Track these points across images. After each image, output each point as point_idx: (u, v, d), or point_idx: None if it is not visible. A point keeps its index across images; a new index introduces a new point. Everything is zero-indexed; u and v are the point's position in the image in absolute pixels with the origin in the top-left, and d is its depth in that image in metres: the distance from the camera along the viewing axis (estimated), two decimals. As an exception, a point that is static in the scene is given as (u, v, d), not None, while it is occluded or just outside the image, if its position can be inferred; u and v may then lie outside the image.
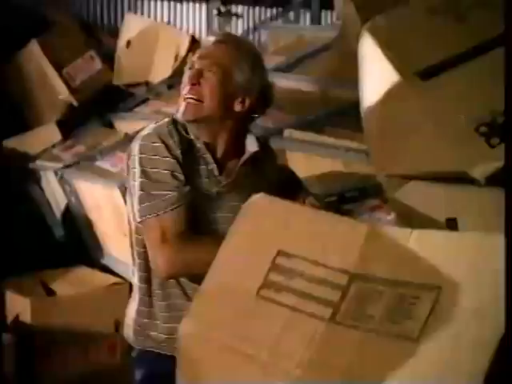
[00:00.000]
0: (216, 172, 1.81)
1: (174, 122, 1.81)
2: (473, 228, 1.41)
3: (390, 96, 1.53)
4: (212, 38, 1.86)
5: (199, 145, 1.80)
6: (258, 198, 1.36)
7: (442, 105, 1.44)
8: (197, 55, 1.83)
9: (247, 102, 1.81)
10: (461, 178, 1.37)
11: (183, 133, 1.80)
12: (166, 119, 1.82)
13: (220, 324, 1.23)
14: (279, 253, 1.25)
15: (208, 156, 1.80)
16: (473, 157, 1.33)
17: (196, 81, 1.78)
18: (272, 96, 1.90)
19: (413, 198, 1.48)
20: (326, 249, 1.23)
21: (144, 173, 1.72)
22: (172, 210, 1.71)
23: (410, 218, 1.51)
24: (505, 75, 1.30)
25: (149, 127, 1.80)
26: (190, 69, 1.82)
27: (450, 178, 1.44)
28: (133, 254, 1.87)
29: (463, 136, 1.36)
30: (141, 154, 1.73)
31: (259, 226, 1.32)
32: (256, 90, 1.81)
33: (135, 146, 1.76)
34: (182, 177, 1.73)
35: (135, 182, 1.74)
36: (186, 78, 1.82)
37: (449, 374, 1.02)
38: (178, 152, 1.74)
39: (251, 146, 1.87)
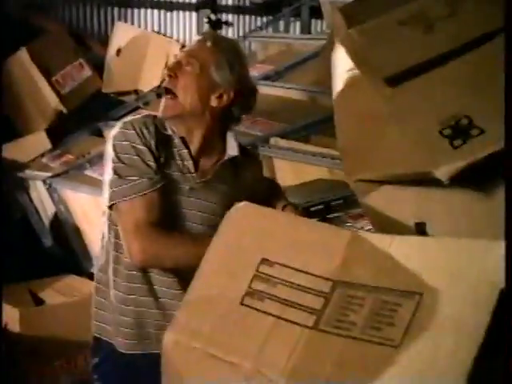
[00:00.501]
0: (192, 169, 1.82)
1: (152, 116, 1.83)
2: (441, 230, 1.43)
3: (358, 102, 1.56)
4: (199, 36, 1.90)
5: (176, 140, 1.82)
6: (242, 206, 1.36)
7: (407, 109, 1.49)
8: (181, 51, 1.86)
9: (224, 97, 1.81)
10: (429, 182, 1.40)
11: (159, 127, 1.81)
12: (145, 113, 1.85)
13: (204, 333, 1.23)
14: (262, 261, 1.26)
15: (185, 152, 1.82)
16: (437, 158, 1.36)
17: (173, 72, 1.80)
18: (254, 98, 1.91)
19: (382, 202, 1.51)
20: (309, 256, 1.24)
21: (117, 158, 1.74)
22: (142, 195, 1.72)
23: (381, 223, 1.53)
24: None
25: (126, 118, 1.84)
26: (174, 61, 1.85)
27: (418, 182, 1.47)
28: (102, 246, 1.89)
29: (428, 138, 1.40)
30: (114, 140, 1.76)
31: (242, 234, 1.32)
32: (234, 87, 1.82)
33: (110, 134, 1.79)
34: (153, 165, 1.74)
35: (108, 169, 1.76)
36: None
37: (429, 381, 1.03)
38: (151, 142, 1.75)
39: (232, 149, 1.88)
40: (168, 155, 1.80)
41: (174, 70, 1.80)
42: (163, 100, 1.82)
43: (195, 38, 1.91)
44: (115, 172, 1.74)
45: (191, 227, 1.79)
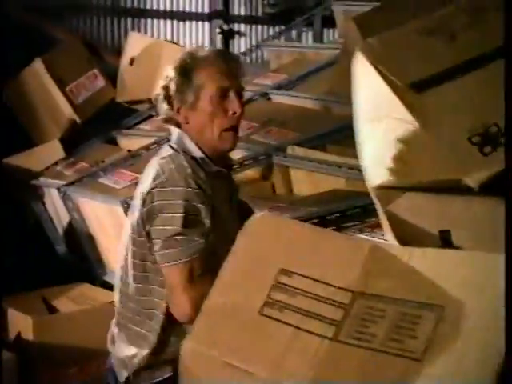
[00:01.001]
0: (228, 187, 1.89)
1: (186, 156, 1.79)
2: (466, 240, 1.42)
3: (383, 109, 1.56)
4: (213, 53, 1.84)
5: (208, 162, 1.82)
6: (260, 216, 1.36)
7: (435, 116, 1.47)
8: (223, 76, 1.79)
9: None
10: (455, 190, 1.39)
11: (200, 164, 1.80)
12: (179, 157, 1.78)
13: (222, 342, 1.23)
14: (281, 271, 1.25)
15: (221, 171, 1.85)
16: (467, 165, 1.36)
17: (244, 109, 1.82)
18: None
19: (406, 210, 1.50)
20: (329, 267, 1.23)
21: (184, 219, 1.70)
22: (196, 257, 1.71)
23: (403, 231, 1.53)
24: (505, 82, 1.33)
25: (168, 167, 1.76)
26: (222, 93, 1.79)
27: (444, 190, 1.46)
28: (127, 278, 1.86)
29: (457, 145, 1.39)
30: (175, 197, 1.71)
31: (261, 243, 1.32)
32: None
33: (162, 187, 1.73)
34: (208, 222, 1.74)
35: (168, 227, 1.71)
36: (219, 104, 1.79)
37: (452, 394, 1.02)
38: (205, 195, 1.74)
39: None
40: (213, 189, 1.79)
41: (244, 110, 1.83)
42: (231, 133, 1.81)
43: (208, 53, 1.84)
44: (178, 233, 1.71)
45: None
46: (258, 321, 1.22)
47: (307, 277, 1.23)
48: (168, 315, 1.79)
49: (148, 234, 1.76)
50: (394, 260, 1.18)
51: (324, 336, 1.16)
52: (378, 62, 1.56)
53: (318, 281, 1.22)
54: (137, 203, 1.79)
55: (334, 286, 1.20)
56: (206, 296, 1.66)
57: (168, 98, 1.82)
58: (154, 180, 1.74)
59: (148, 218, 1.74)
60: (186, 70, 1.80)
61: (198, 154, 1.81)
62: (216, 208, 1.77)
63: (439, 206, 1.46)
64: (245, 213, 1.87)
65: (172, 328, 1.80)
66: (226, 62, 1.82)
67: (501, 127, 1.37)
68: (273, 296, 1.23)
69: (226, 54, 1.91)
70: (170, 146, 1.83)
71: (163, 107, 1.84)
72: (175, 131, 1.85)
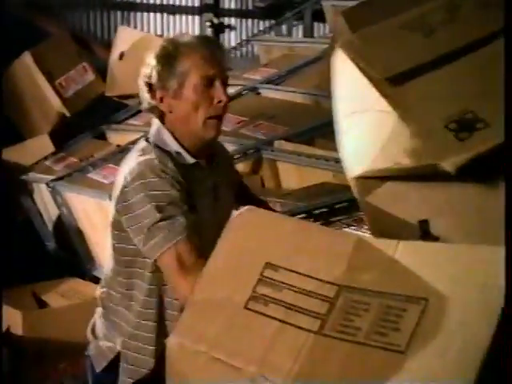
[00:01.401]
0: (208, 177, 1.84)
1: (158, 150, 1.77)
2: (446, 228, 1.44)
3: (363, 103, 1.58)
4: (198, 40, 1.81)
5: (189, 157, 1.80)
6: (246, 210, 1.36)
7: (413, 107, 1.50)
8: (208, 65, 1.76)
9: None
10: (434, 178, 1.41)
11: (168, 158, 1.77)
12: (150, 151, 1.76)
13: (208, 337, 1.23)
14: (267, 265, 1.26)
15: (200, 162, 1.82)
16: (443, 150, 1.38)
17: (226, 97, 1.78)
18: None
19: (386, 200, 1.51)
20: (314, 260, 1.23)
21: (157, 207, 1.68)
22: (182, 237, 1.67)
23: (383, 222, 1.54)
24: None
25: (136, 162, 1.74)
26: (207, 82, 1.76)
27: (421, 178, 1.47)
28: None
29: (434, 132, 1.42)
30: (143, 190, 1.69)
31: (247, 238, 1.32)
32: None
33: (132, 183, 1.71)
34: (185, 206, 1.70)
35: (144, 220, 1.69)
36: (204, 92, 1.76)
37: (436, 386, 1.03)
38: (176, 183, 1.71)
39: None
40: (189, 181, 1.77)
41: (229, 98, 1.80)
42: (215, 121, 1.78)
43: (191, 39, 1.80)
44: (152, 222, 1.68)
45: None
46: (243, 315, 1.22)
47: (293, 271, 1.23)
48: (145, 308, 1.80)
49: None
50: (379, 253, 1.19)
51: (309, 330, 1.17)
52: (357, 58, 1.58)
53: (303, 275, 1.22)
54: (113, 198, 1.80)
55: (320, 280, 1.21)
56: None
57: (150, 87, 1.78)
58: (126, 178, 1.73)
59: (124, 216, 1.74)
60: (169, 56, 1.76)
61: (173, 147, 1.79)
62: (192, 199, 1.75)
63: (419, 194, 1.48)
64: (244, 200, 1.91)
65: (146, 324, 1.81)
66: (211, 49, 1.77)
67: (477, 114, 1.40)
68: (258, 290, 1.24)
69: (209, 40, 1.86)
70: (146, 140, 1.81)
71: (146, 96, 1.80)
72: (154, 124, 1.84)
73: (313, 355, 1.14)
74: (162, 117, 1.83)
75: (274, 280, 1.24)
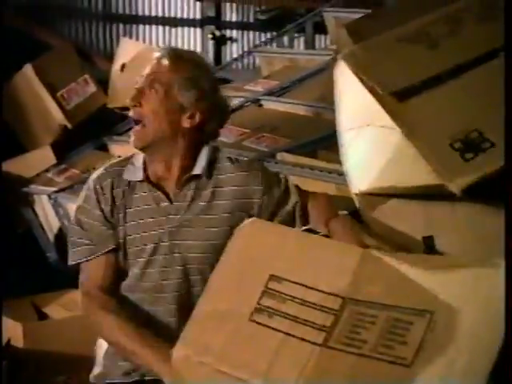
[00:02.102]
0: (169, 209, 1.72)
1: (117, 165, 1.77)
2: (450, 244, 1.43)
3: (366, 117, 1.57)
4: (156, 54, 1.76)
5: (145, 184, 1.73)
6: (251, 222, 1.36)
7: (417, 124, 1.49)
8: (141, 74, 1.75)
9: (196, 116, 1.71)
10: (438, 195, 1.40)
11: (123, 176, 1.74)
12: (111, 162, 1.80)
13: (213, 348, 1.22)
14: (271, 277, 1.25)
15: (157, 194, 1.73)
16: (449, 171, 1.38)
17: (137, 101, 1.70)
18: (227, 110, 1.83)
19: (389, 216, 1.50)
20: (319, 273, 1.23)
21: (76, 219, 1.74)
22: (88, 260, 1.71)
23: (387, 238, 1.53)
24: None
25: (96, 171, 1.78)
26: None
27: (425, 195, 1.47)
28: None
29: (439, 152, 1.41)
30: (78, 201, 1.75)
31: (251, 250, 1.31)
32: (204, 103, 1.71)
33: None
34: (107, 230, 1.71)
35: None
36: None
37: (442, 400, 1.02)
38: (106, 205, 1.71)
39: (197, 168, 1.74)
40: (133, 205, 1.73)
41: (137, 100, 1.70)
42: (132, 131, 1.74)
43: (153, 55, 1.77)
44: (71, 234, 1.75)
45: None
46: (248, 327, 1.22)
47: (297, 283, 1.23)
48: None
49: None
50: (385, 266, 1.18)
51: (314, 342, 1.16)
52: (360, 71, 1.57)
53: (308, 287, 1.22)
54: None
55: (325, 292, 1.20)
56: (93, 318, 1.69)
57: None
58: None
59: None
60: None
61: (136, 161, 1.77)
62: (130, 214, 1.72)
63: (423, 211, 1.47)
64: None
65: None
66: (156, 58, 1.74)
67: (482, 133, 1.39)
68: (263, 302, 1.23)
69: (165, 50, 1.77)
70: (122, 158, 1.84)
71: None
72: None
73: (318, 367, 1.13)
74: None
75: (279, 292, 1.23)
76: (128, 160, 1.79)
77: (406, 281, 1.15)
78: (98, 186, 1.73)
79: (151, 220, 1.71)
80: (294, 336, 1.18)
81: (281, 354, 1.17)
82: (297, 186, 1.84)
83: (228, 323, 1.24)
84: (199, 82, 1.72)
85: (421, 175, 1.41)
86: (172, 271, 1.68)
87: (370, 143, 1.59)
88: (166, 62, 1.71)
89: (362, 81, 1.58)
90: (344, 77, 1.64)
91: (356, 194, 1.58)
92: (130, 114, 1.75)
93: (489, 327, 1.03)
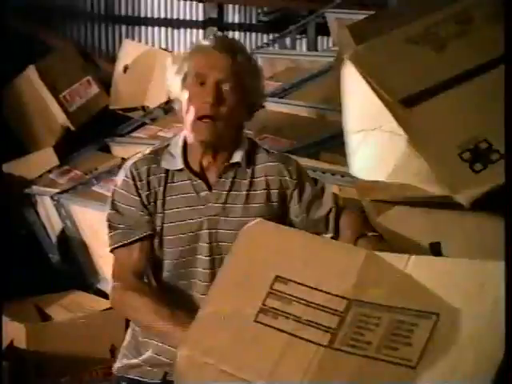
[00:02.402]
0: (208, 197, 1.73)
1: (155, 152, 1.76)
2: (457, 252, 1.42)
3: (373, 120, 1.55)
4: (209, 43, 1.73)
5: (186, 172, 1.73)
6: (256, 223, 1.36)
7: (425, 131, 1.46)
8: (203, 65, 1.69)
9: (258, 109, 1.77)
10: (446, 204, 1.39)
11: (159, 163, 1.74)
12: (146, 152, 1.77)
13: (217, 349, 1.22)
14: (277, 278, 1.25)
15: (197, 182, 1.73)
16: (458, 182, 1.36)
17: (220, 99, 1.66)
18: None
19: (396, 222, 1.49)
20: (324, 274, 1.23)
21: (112, 205, 1.74)
22: (124, 245, 1.70)
23: (393, 243, 1.52)
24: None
25: (131, 158, 1.78)
26: (200, 81, 1.68)
27: (433, 203, 1.45)
28: None
29: (447, 162, 1.39)
30: (115, 186, 1.75)
31: (257, 251, 1.31)
32: (262, 92, 1.77)
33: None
34: (140, 214, 1.71)
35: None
36: (196, 92, 1.68)
37: (447, 402, 1.02)
38: (144, 192, 1.71)
39: (237, 155, 1.76)
40: (172, 193, 1.73)
41: (220, 97, 1.66)
42: (200, 123, 1.68)
43: (206, 42, 1.74)
44: (109, 219, 1.74)
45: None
46: (253, 328, 1.22)
47: (302, 284, 1.23)
48: None
49: None
50: (390, 268, 1.18)
51: (319, 343, 1.16)
52: (367, 73, 1.55)
53: (313, 288, 1.22)
54: None
55: (330, 294, 1.20)
56: (127, 305, 1.67)
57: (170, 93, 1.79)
58: None
59: None
60: (182, 59, 1.74)
61: (174, 150, 1.76)
62: (168, 203, 1.72)
63: (430, 219, 1.46)
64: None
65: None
66: (218, 50, 1.70)
67: (491, 142, 1.37)
68: (268, 303, 1.23)
69: (224, 42, 1.74)
70: (158, 146, 1.83)
71: (172, 101, 1.81)
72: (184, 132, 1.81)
73: (322, 369, 1.13)
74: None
75: (284, 293, 1.23)
76: (163, 149, 1.78)
77: (411, 282, 1.15)
78: (135, 173, 1.72)
79: (190, 208, 1.72)
80: (299, 337, 1.18)
81: (285, 355, 1.17)
82: (334, 194, 1.85)
83: (233, 324, 1.24)
84: (262, 76, 1.76)
85: (428, 186, 1.38)
86: (209, 260, 1.68)
87: (376, 148, 1.57)
88: (234, 55, 1.70)
89: (369, 84, 1.56)
90: (351, 77, 1.62)
91: (363, 200, 1.57)
92: (203, 112, 1.67)
93: (494, 330, 1.03)
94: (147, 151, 1.78)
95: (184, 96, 1.72)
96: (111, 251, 1.75)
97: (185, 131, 1.76)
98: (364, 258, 1.21)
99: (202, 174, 1.74)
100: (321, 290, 1.21)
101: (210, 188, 1.73)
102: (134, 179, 1.72)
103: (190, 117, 1.69)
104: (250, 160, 1.77)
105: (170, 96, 1.79)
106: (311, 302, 1.21)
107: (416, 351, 1.08)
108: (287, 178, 1.78)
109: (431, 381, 1.04)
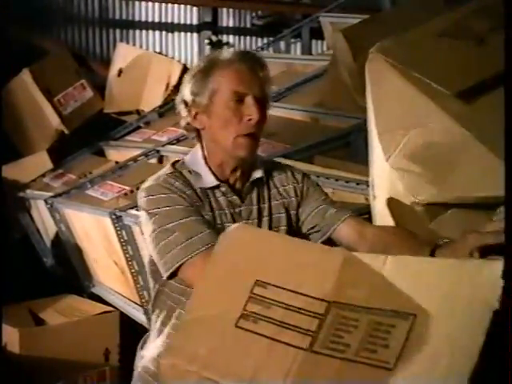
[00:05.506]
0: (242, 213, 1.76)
1: (175, 170, 1.75)
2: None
3: (426, 120, 1.46)
4: (234, 57, 1.74)
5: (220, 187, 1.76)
6: (237, 227, 1.36)
7: (485, 126, 1.38)
8: (239, 82, 1.70)
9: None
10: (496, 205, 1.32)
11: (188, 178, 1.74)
12: (166, 169, 1.76)
13: (200, 356, 1.22)
14: (257, 282, 1.25)
15: (234, 198, 1.76)
16: None
17: (264, 116, 1.72)
18: None
19: (451, 227, 1.42)
20: (303, 277, 1.23)
21: (159, 224, 1.66)
22: (192, 257, 1.64)
23: None
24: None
25: (151, 179, 1.73)
26: (236, 99, 1.70)
27: (485, 205, 1.38)
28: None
29: None
30: (153, 208, 1.67)
31: (237, 255, 1.31)
32: None
33: (144, 202, 1.69)
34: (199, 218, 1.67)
35: (153, 234, 1.67)
36: (234, 109, 1.70)
37: (424, 404, 1.02)
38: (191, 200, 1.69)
39: (258, 170, 1.83)
40: (210, 210, 1.73)
41: (263, 117, 1.72)
42: (245, 139, 1.71)
43: (222, 60, 1.74)
44: (162, 237, 1.65)
45: None
46: (234, 333, 1.22)
47: (282, 287, 1.22)
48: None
49: None
50: (368, 269, 1.18)
51: (299, 347, 1.16)
52: (411, 69, 1.45)
53: (292, 291, 1.21)
54: None
55: (309, 296, 1.20)
56: None
57: (185, 104, 1.77)
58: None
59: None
60: (203, 72, 1.73)
61: (197, 168, 1.77)
62: (215, 219, 1.73)
63: (488, 222, 1.37)
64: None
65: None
66: (246, 65, 1.72)
67: None
68: (248, 308, 1.23)
69: (247, 56, 1.77)
70: (173, 163, 1.81)
71: (182, 114, 1.80)
72: (196, 150, 1.83)
73: (302, 372, 1.13)
74: (199, 135, 1.82)
75: (264, 297, 1.23)
76: (180, 169, 1.77)
77: (388, 283, 1.15)
78: (173, 187, 1.68)
79: (230, 225, 1.70)
80: (279, 341, 1.18)
81: (266, 360, 1.17)
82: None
83: (214, 330, 1.23)
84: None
85: (489, 184, 1.30)
86: None
87: (421, 148, 1.46)
88: (260, 70, 1.74)
89: (415, 79, 1.45)
90: (379, 74, 1.53)
91: (415, 203, 1.48)
92: (249, 129, 1.70)
93: (470, 331, 1.03)
94: (161, 173, 1.75)
95: (217, 113, 1.72)
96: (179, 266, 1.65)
97: (198, 147, 1.81)
98: (342, 260, 1.21)
99: (235, 190, 1.79)
100: (300, 293, 1.21)
101: (243, 203, 1.78)
102: (176, 192, 1.68)
103: (230, 134, 1.71)
104: (267, 173, 1.85)
105: (188, 113, 1.78)
106: (291, 306, 1.20)
107: (393, 353, 1.08)
108: (297, 184, 1.87)
109: (409, 381, 1.04)
